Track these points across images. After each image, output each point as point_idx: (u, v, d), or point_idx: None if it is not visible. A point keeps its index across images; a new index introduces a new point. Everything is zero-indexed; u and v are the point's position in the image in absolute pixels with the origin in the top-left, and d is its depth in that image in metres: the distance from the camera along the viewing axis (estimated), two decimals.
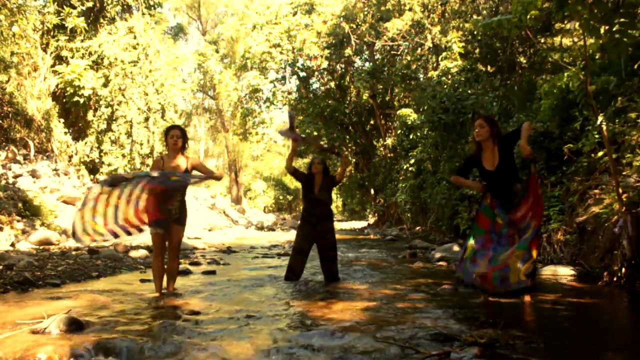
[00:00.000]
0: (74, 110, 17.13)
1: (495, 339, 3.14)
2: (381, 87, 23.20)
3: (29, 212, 11.30)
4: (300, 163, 41.49)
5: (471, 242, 4.65)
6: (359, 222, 32.63)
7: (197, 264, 8.54)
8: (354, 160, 27.45)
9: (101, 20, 17.80)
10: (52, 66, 16.24)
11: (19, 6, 11.43)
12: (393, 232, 18.64)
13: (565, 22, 12.18)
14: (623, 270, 5.46)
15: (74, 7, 15.98)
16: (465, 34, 16.40)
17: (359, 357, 2.90)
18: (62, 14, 15.69)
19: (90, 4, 16.66)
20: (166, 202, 5.13)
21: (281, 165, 48.97)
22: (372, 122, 26.50)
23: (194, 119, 44.20)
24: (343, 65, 25.07)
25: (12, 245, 9.50)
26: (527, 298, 4.47)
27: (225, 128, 41.90)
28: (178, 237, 5.24)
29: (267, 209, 43.22)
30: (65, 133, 16.53)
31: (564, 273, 6.62)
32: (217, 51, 38.62)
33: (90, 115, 17.12)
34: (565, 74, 8.01)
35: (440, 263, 8.53)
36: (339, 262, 6.60)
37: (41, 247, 9.79)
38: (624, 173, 6.59)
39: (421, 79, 18.79)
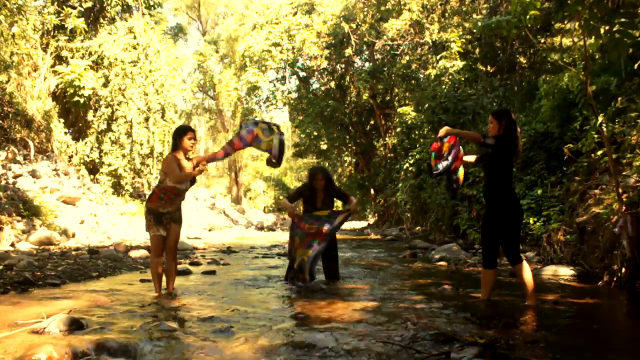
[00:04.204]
0: (74, 111, 17.13)
1: (495, 339, 3.14)
2: (381, 87, 23.21)
3: (29, 212, 11.30)
4: (300, 163, 41.51)
5: None
6: (359, 222, 32.62)
7: (197, 264, 8.53)
8: (354, 160, 27.44)
9: (101, 20, 17.79)
10: (52, 66, 16.23)
11: (19, 7, 11.42)
12: (393, 232, 18.63)
13: (565, 22, 12.17)
14: (623, 270, 5.47)
15: (74, 8, 15.97)
16: (464, 34, 16.41)
17: (360, 357, 2.90)
18: (61, 15, 15.68)
19: (89, 4, 16.64)
20: (178, 200, 5.23)
21: (281, 165, 48.91)
22: (372, 122, 26.50)
23: (194, 119, 44.20)
24: (343, 65, 25.05)
25: (12, 245, 9.50)
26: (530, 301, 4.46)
27: (225, 128, 41.90)
28: (176, 236, 5.25)
29: (267, 209, 43.20)
30: (65, 133, 16.53)
31: (564, 273, 6.62)
32: (216, 51, 38.63)
33: (90, 116, 17.12)
34: (566, 74, 8.03)
35: (440, 263, 8.53)
36: (340, 262, 6.60)
37: (41, 247, 9.80)
38: (624, 173, 6.59)
39: (421, 79, 18.81)
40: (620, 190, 5.59)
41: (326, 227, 5.92)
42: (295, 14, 25.35)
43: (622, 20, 4.03)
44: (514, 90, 13.95)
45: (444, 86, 15.04)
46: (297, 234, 6.01)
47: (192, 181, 5.29)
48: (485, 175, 4.69)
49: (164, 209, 5.10)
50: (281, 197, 42.65)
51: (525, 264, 4.46)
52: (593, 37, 4.54)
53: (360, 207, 31.48)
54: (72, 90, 15.89)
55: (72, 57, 16.39)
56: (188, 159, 5.29)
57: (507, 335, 3.35)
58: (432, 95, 14.72)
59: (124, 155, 17.34)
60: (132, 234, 13.32)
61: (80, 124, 17.61)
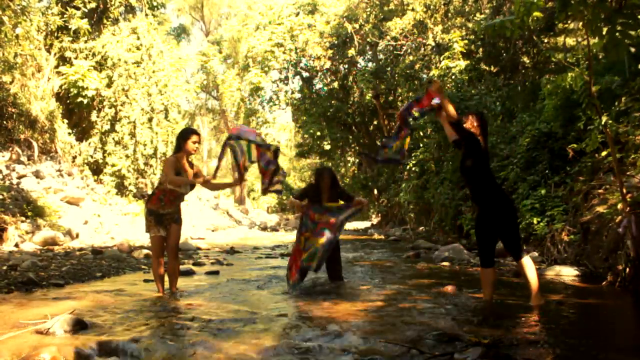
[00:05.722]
0: (77, 111, 17.17)
1: (499, 339, 3.13)
2: (384, 87, 23.20)
3: (33, 212, 11.33)
4: (304, 163, 41.52)
5: None
6: (362, 222, 32.60)
7: (200, 264, 8.55)
8: (357, 160, 27.44)
9: (104, 21, 17.84)
10: (56, 67, 16.29)
11: (23, 8, 11.45)
12: (396, 233, 18.62)
13: (569, 22, 12.15)
14: (627, 270, 5.45)
15: (78, 9, 16.01)
16: (468, 34, 16.39)
17: (363, 358, 2.90)
18: (65, 16, 15.72)
19: (93, 5, 16.69)
20: (178, 202, 5.22)
21: (284, 166, 48.99)
22: (375, 122, 26.50)
23: (197, 119, 44.26)
24: (346, 66, 25.05)
25: (16, 245, 9.52)
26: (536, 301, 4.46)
27: (228, 128, 41.91)
28: (177, 236, 5.25)
29: (271, 209, 43.20)
30: (69, 134, 16.58)
31: (568, 273, 6.60)
32: (220, 52, 38.67)
33: (93, 116, 17.17)
34: (569, 74, 8.00)
35: (444, 263, 8.52)
36: (343, 263, 6.60)
37: (45, 248, 9.82)
38: (628, 173, 6.57)
39: (424, 79, 18.78)
40: (624, 190, 5.57)
41: (335, 219, 5.87)
42: (298, 14, 25.37)
43: (623, 20, 4.02)
44: (517, 90, 13.91)
45: (447, 86, 15.01)
46: (307, 225, 5.90)
47: (192, 186, 5.30)
48: (465, 181, 4.78)
49: (163, 210, 5.11)
50: (284, 197, 42.72)
51: (527, 261, 4.45)
52: (596, 37, 4.53)
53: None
54: (75, 91, 15.94)
55: (75, 58, 16.44)
56: (190, 163, 5.30)
57: (511, 335, 3.34)
58: None
59: (127, 156, 17.39)
60: (135, 235, 13.35)
61: (84, 125, 17.66)
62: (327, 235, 5.74)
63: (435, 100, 4.82)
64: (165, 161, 5.20)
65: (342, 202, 6.12)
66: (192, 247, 11.63)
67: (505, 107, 13.04)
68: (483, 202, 4.59)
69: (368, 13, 22.11)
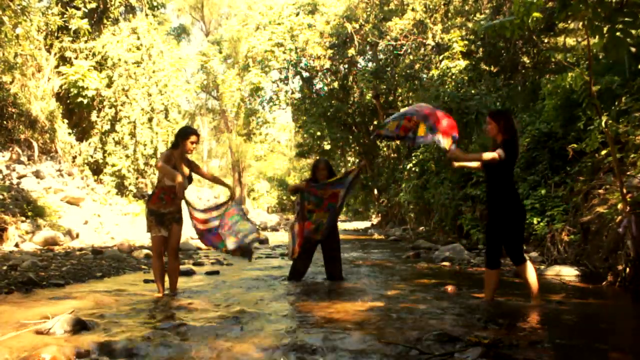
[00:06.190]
0: (77, 111, 17.17)
1: (499, 339, 3.13)
2: (384, 87, 23.20)
3: (33, 212, 11.33)
4: (304, 163, 41.50)
5: None
6: (363, 222, 32.61)
7: (200, 264, 8.55)
8: (357, 160, 27.43)
9: (105, 21, 17.82)
10: (56, 67, 16.28)
11: (23, 8, 11.45)
12: (396, 233, 18.63)
13: (569, 21, 12.14)
14: (627, 270, 5.45)
15: (78, 9, 15.99)
16: (468, 33, 16.39)
17: (362, 358, 2.90)
18: (65, 16, 15.70)
19: (93, 5, 16.68)
20: (179, 200, 5.20)
21: (284, 166, 49.03)
22: (375, 122, 26.49)
23: (198, 119, 44.28)
24: (346, 66, 25.05)
25: (17, 245, 9.52)
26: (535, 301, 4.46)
27: (228, 128, 41.97)
28: (178, 236, 5.23)
29: (271, 209, 43.24)
30: (69, 134, 16.58)
31: (568, 273, 6.60)
32: (220, 52, 38.67)
33: (94, 116, 17.17)
34: (569, 74, 8.00)
35: (444, 263, 8.53)
36: (343, 262, 6.61)
37: (45, 248, 9.82)
38: (628, 173, 6.57)
39: (424, 79, 18.79)
40: (624, 190, 5.58)
41: (340, 190, 6.12)
42: (298, 14, 25.35)
43: (625, 19, 4.02)
44: (518, 90, 13.92)
45: (447, 86, 15.02)
46: (309, 199, 6.13)
47: (190, 180, 5.28)
48: (487, 176, 4.68)
49: (165, 209, 5.10)
50: (284, 197, 42.77)
51: (529, 264, 4.46)
52: (597, 37, 4.53)
53: (363, 207, 31.50)
54: (75, 91, 15.93)
55: (75, 58, 16.44)
56: (188, 160, 5.29)
57: (511, 336, 3.34)
58: (435, 95, 14.69)
59: (127, 156, 17.38)
60: (135, 235, 13.35)
61: (84, 125, 17.66)
62: (331, 210, 6.12)
63: (443, 143, 4.56)
64: (160, 155, 5.20)
65: (341, 175, 6.30)
66: (192, 247, 11.63)
67: (505, 107, 13.04)
68: (500, 203, 4.50)
69: (368, 13, 22.10)
